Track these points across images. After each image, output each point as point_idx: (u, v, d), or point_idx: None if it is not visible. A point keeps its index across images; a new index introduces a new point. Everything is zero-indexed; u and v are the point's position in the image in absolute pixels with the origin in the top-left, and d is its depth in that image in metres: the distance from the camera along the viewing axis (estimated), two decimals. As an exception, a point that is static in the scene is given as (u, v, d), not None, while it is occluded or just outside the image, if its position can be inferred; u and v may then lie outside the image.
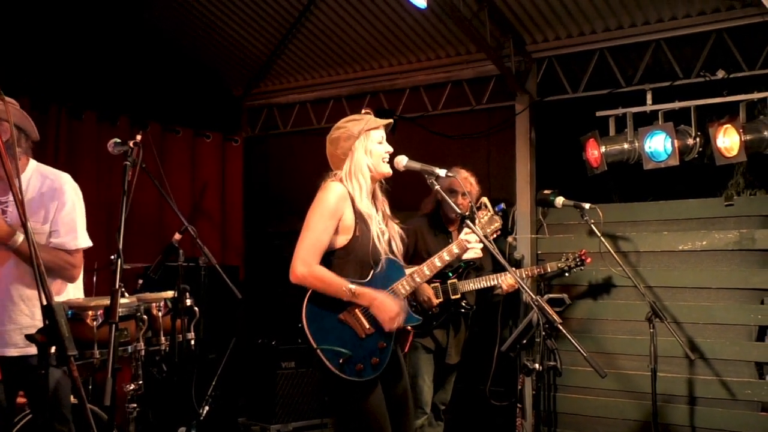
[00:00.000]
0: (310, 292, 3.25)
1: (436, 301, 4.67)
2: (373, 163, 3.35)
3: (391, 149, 3.41)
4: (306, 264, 3.20)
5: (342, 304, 3.26)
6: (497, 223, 3.78)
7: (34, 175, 3.37)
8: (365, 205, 3.33)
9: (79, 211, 3.39)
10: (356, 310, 3.28)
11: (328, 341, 3.18)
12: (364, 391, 3.21)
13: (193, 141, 7.31)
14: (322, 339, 3.19)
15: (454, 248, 3.56)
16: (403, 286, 3.40)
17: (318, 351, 3.16)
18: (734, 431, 5.03)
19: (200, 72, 7.38)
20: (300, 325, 3.23)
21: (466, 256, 3.71)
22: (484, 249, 3.65)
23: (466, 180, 4.79)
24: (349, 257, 3.29)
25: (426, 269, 3.51)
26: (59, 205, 3.31)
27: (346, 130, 3.37)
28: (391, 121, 3.49)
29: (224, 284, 4.01)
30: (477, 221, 3.68)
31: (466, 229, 3.57)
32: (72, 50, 6.17)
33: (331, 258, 3.29)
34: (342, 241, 3.29)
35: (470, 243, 3.54)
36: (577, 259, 5.06)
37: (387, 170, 3.39)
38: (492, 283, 4.77)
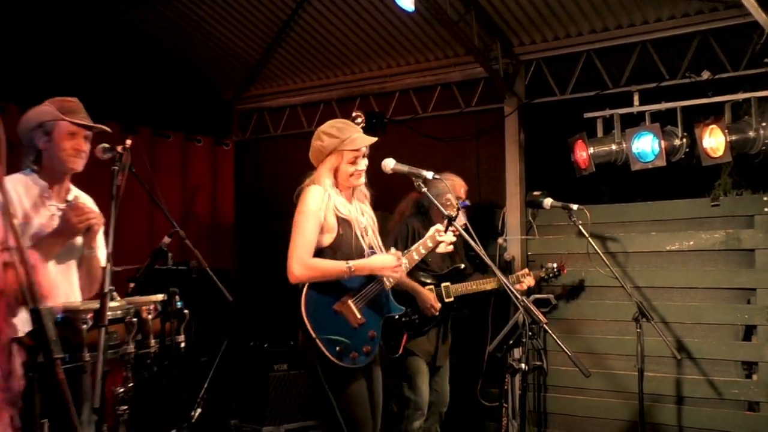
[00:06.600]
0: (306, 286, 3.45)
1: (438, 306, 4.75)
2: (340, 179, 3.57)
3: (362, 167, 3.57)
4: (301, 262, 3.43)
5: (335, 296, 3.48)
6: (462, 221, 3.87)
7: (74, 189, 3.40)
8: (342, 206, 3.54)
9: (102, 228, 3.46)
10: (348, 301, 3.50)
11: (325, 331, 3.39)
12: (353, 379, 3.44)
13: (183, 145, 7.32)
14: (320, 329, 3.40)
15: (429, 242, 3.73)
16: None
17: (317, 340, 3.37)
18: (721, 430, 5.07)
19: (190, 76, 7.40)
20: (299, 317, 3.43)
21: (438, 250, 3.82)
22: (455, 243, 3.78)
23: (461, 185, 4.93)
24: (336, 254, 3.51)
25: (407, 261, 3.71)
26: None
27: (321, 145, 3.55)
28: (368, 143, 3.58)
29: (215, 287, 4.04)
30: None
31: (437, 225, 3.72)
32: (59, 55, 6.15)
33: (320, 257, 3.51)
34: (328, 239, 3.52)
35: (442, 237, 3.70)
36: (555, 270, 5.30)
37: (355, 185, 3.60)
38: (483, 288, 4.86)
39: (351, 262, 3.44)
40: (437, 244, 3.71)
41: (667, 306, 5.33)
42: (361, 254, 3.53)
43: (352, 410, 3.41)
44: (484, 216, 6.08)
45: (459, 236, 3.68)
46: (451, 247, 3.80)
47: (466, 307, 4.99)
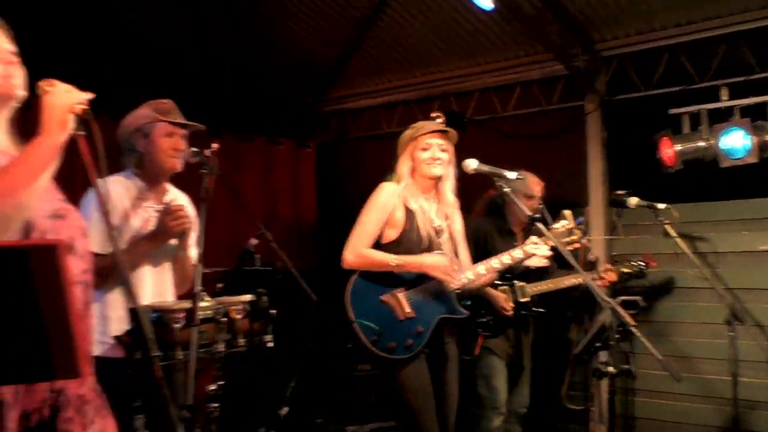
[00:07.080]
0: (358, 272, 3.57)
1: (510, 307, 4.67)
2: (416, 167, 3.61)
3: (438, 156, 3.59)
4: (354, 250, 3.55)
5: (386, 287, 3.54)
6: (575, 236, 3.71)
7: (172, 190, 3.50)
8: (414, 202, 3.58)
9: None
10: (399, 294, 3.53)
11: (364, 317, 3.49)
12: (402, 367, 3.45)
13: (266, 148, 7.47)
14: (359, 314, 3.50)
15: (517, 253, 3.59)
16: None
17: (354, 324, 3.48)
18: (821, 437, 4.87)
19: (272, 80, 7.51)
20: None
21: (528, 263, 3.74)
22: (549, 258, 3.69)
23: (536, 183, 4.83)
24: (399, 249, 3.55)
25: (483, 269, 3.58)
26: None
27: (403, 136, 3.68)
28: (437, 128, 3.63)
29: (300, 288, 4.09)
30: (550, 226, 3.67)
31: (533, 237, 3.60)
32: (147, 62, 6.33)
33: (383, 251, 3.57)
34: (392, 234, 3.58)
35: (537, 249, 3.57)
36: (642, 265, 5.10)
37: (429, 173, 3.60)
38: (560, 286, 4.76)
39: (399, 258, 3.49)
40: (528, 256, 3.65)
41: (762, 308, 5.13)
42: (418, 246, 3.56)
43: (405, 398, 3.45)
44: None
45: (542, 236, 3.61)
46: (546, 262, 3.74)
47: (544, 306, 4.87)
